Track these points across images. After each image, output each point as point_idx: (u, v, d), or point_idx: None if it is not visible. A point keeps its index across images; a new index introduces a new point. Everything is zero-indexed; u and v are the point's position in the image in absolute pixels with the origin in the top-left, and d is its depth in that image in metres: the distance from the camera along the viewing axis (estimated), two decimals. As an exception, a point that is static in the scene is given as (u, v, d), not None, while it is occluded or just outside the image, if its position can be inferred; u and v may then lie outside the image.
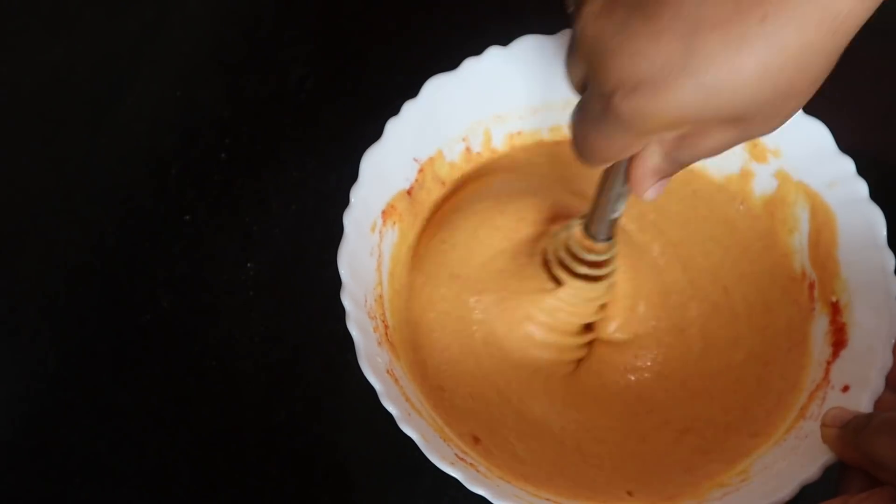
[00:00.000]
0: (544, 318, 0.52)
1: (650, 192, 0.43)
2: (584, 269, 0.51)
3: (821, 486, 0.45)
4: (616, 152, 0.41)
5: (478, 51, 0.54)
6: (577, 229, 0.50)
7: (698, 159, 0.41)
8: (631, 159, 0.42)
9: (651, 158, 0.42)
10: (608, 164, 0.44)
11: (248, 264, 0.60)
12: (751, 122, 0.38)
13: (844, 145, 0.53)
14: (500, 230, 0.54)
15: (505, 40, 0.55)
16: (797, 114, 0.42)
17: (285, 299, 0.59)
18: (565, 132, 0.59)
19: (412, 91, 0.53)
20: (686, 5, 0.36)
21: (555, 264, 0.51)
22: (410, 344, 0.53)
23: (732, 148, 0.40)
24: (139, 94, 0.65)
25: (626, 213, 0.50)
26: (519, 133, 0.58)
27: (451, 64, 0.54)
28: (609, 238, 0.50)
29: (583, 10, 0.39)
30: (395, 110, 0.53)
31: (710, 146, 0.40)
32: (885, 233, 0.51)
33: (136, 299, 0.59)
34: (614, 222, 0.49)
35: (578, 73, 0.42)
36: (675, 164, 0.42)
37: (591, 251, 0.50)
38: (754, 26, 0.35)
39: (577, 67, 0.42)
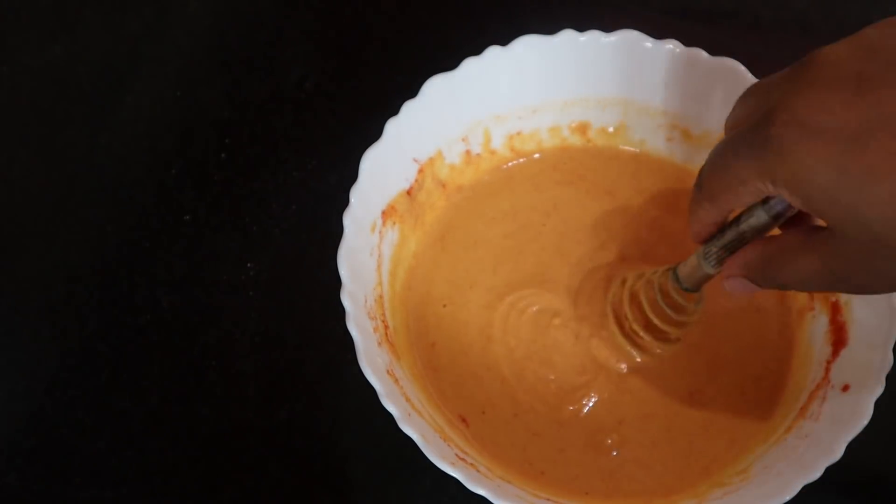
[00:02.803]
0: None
1: (730, 282, 0.45)
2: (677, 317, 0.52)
3: (821, 486, 0.45)
4: (733, 180, 0.40)
5: (478, 51, 0.54)
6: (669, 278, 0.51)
7: (781, 282, 0.42)
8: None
9: (749, 255, 0.43)
10: (715, 205, 0.43)
11: (248, 264, 0.60)
12: (848, 253, 0.38)
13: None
14: None
15: (505, 40, 0.55)
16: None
17: (285, 299, 0.59)
18: (564, 133, 0.59)
19: (412, 91, 0.53)
20: (893, 103, 0.35)
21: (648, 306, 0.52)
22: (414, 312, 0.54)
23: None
24: (139, 94, 0.65)
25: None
26: (518, 133, 0.58)
27: (451, 64, 0.54)
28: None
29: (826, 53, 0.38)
30: (395, 110, 0.53)
31: (795, 270, 0.41)
32: (885, 232, 0.51)
33: (136, 299, 0.59)
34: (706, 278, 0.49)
35: (754, 103, 0.41)
36: (759, 274, 0.43)
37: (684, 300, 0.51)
38: None
39: (760, 96, 0.41)
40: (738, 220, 0.44)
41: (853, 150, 0.36)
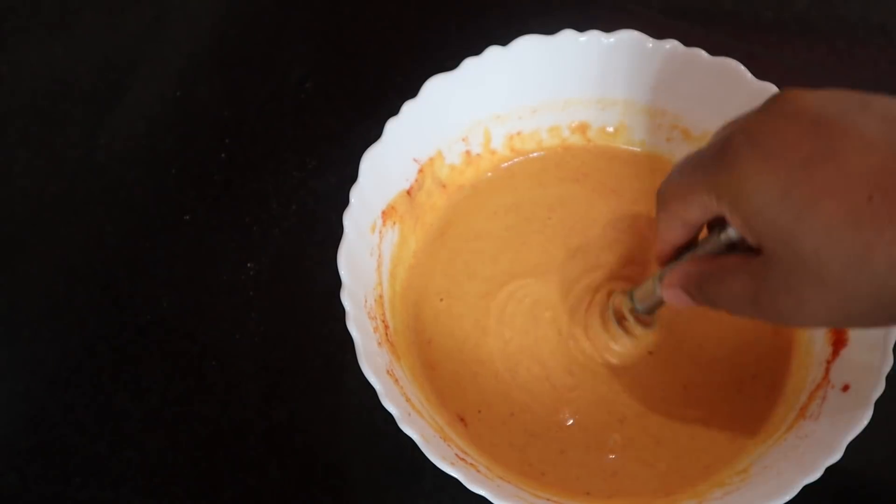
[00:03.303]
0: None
1: (668, 292, 0.46)
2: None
3: (821, 486, 0.45)
4: (683, 188, 0.42)
5: (478, 51, 0.54)
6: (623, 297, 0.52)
7: (714, 300, 0.43)
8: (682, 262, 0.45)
9: (688, 270, 0.44)
10: (667, 216, 0.44)
11: (248, 264, 0.60)
12: (778, 278, 0.39)
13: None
14: None
15: (505, 40, 0.55)
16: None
17: (285, 299, 0.59)
18: (564, 132, 0.59)
19: (412, 91, 0.53)
20: (847, 156, 0.36)
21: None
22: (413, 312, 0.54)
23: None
24: (139, 94, 0.65)
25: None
26: (518, 133, 0.58)
27: (451, 64, 0.54)
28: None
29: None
30: (395, 110, 0.53)
31: (727, 290, 0.41)
32: (885, 232, 0.51)
33: (136, 299, 0.59)
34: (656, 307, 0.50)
35: (718, 133, 0.42)
36: (696, 290, 0.44)
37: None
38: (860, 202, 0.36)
39: (723, 130, 0.42)
40: (695, 245, 0.45)
41: (798, 176, 0.37)
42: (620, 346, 0.53)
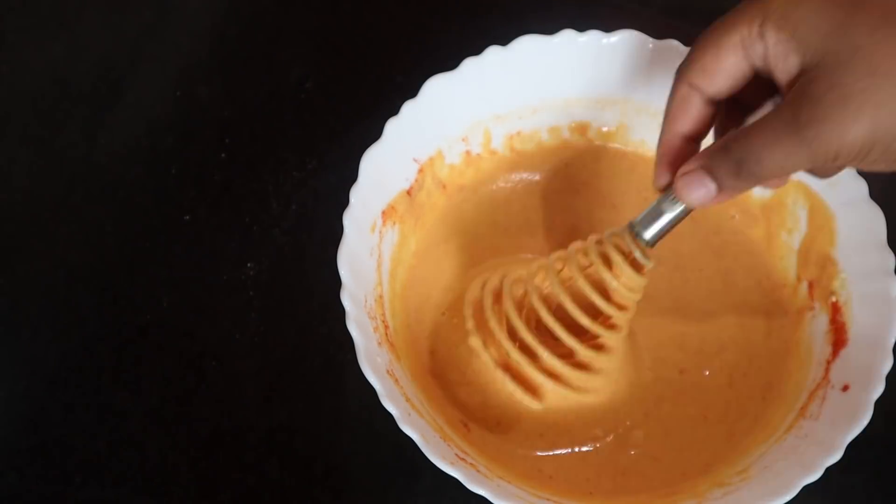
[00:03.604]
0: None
1: (691, 182, 0.42)
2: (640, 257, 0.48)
3: (821, 486, 0.45)
4: (718, 32, 0.41)
5: (477, 51, 0.54)
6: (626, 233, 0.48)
7: (756, 174, 0.40)
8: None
9: (710, 148, 0.42)
10: (699, 69, 0.42)
11: (248, 264, 0.60)
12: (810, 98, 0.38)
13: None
14: None
15: (504, 40, 0.55)
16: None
17: (285, 299, 0.59)
18: (564, 132, 0.59)
19: (412, 91, 0.53)
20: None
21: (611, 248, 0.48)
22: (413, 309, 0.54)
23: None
24: (139, 94, 0.65)
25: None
26: (518, 133, 0.58)
27: (451, 64, 0.54)
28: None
29: None
30: (395, 110, 0.53)
31: (772, 151, 0.39)
32: (885, 232, 0.51)
33: (136, 299, 0.59)
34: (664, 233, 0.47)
35: None
36: (736, 166, 0.41)
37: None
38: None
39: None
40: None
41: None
42: (626, 279, 0.48)
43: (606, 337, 0.50)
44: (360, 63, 0.67)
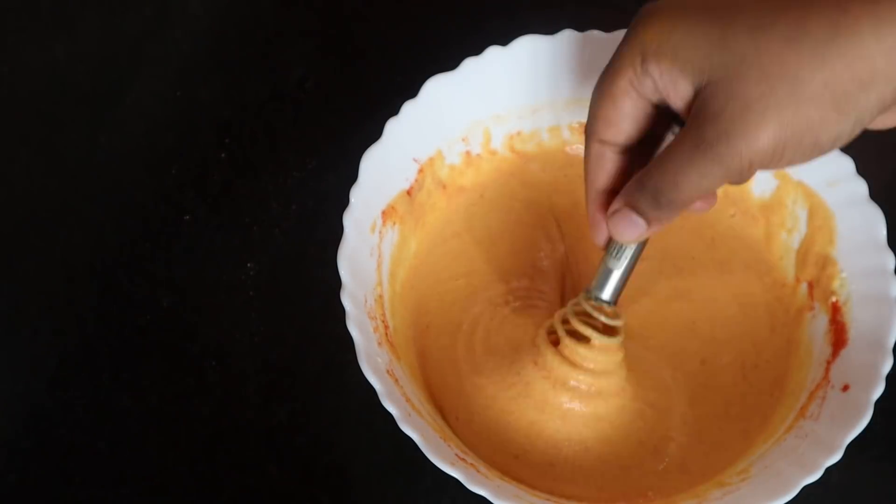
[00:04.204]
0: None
1: (618, 221, 0.43)
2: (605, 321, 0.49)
3: (821, 486, 0.45)
4: (607, 85, 0.42)
5: (477, 51, 0.54)
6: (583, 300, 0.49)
7: (673, 202, 0.41)
8: None
9: (627, 186, 0.43)
10: (601, 123, 0.43)
11: (248, 264, 0.60)
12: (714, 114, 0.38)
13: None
14: None
15: (504, 40, 0.55)
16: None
17: (285, 299, 0.59)
18: (564, 133, 0.59)
19: (412, 91, 0.53)
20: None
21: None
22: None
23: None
24: (139, 93, 0.65)
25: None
26: (518, 133, 0.58)
27: (451, 64, 0.54)
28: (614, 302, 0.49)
29: None
30: (395, 110, 0.53)
31: (686, 172, 0.40)
32: (885, 232, 0.51)
33: (136, 299, 0.59)
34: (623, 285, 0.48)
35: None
36: (653, 197, 0.42)
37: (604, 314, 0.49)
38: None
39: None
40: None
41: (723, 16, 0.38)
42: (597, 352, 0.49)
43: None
44: (360, 63, 0.67)
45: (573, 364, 0.49)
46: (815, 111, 0.37)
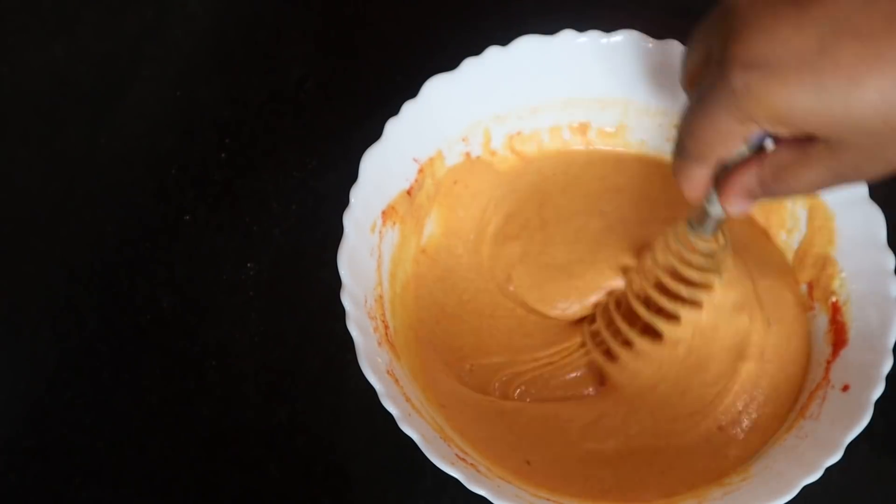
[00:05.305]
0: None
1: (735, 208, 0.44)
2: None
3: (821, 485, 0.45)
4: (718, 138, 0.41)
5: (477, 51, 0.54)
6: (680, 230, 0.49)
7: (790, 194, 0.42)
8: (729, 173, 0.43)
9: (748, 179, 0.42)
10: (706, 164, 0.43)
11: (248, 264, 0.60)
12: (851, 153, 0.38)
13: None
14: None
15: (504, 40, 0.55)
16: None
17: (285, 299, 0.59)
18: (564, 133, 0.59)
19: (412, 91, 0.53)
20: (841, 6, 0.35)
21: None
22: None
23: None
24: (139, 93, 0.65)
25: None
26: (518, 133, 0.58)
27: (451, 64, 0.54)
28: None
29: None
30: (395, 110, 0.53)
31: (806, 181, 0.40)
32: (885, 232, 0.51)
33: (136, 299, 0.59)
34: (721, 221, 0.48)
35: (701, 51, 0.41)
36: (767, 192, 0.42)
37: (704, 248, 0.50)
38: (893, 49, 0.35)
39: (702, 42, 0.41)
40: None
41: (824, 67, 0.36)
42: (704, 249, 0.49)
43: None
44: (360, 63, 0.67)
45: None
46: None
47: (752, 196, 0.43)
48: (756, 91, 0.37)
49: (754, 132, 0.40)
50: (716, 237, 0.49)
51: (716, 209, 0.46)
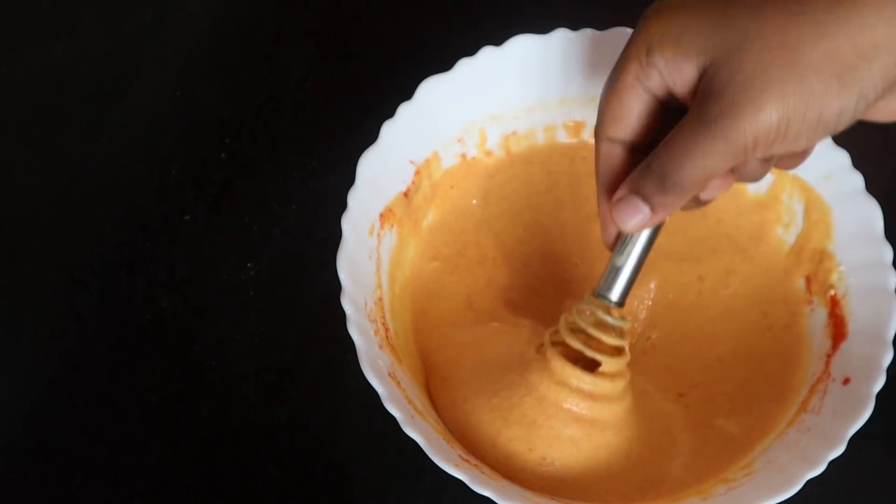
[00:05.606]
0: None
1: (619, 207, 0.42)
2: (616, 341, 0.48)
3: (822, 483, 0.45)
4: (616, 79, 0.42)
5: (472, 51, 0.54)
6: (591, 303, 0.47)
7: (680, 185, 0.40)
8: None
9: (635, 172, 0.42)
10: (611, 113, 0.43)
11: (248, 264, 0.60)
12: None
13: (839, 138, 0.52)
14: None
15: (499, 40, 0.55)
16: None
17: (285, 300, 0.59)
18: (559, 132, 0.58)
19: (412, 91, 0.53)
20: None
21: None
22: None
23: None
24: (139, 94, 0.65)
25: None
26: (514, 133, 0.58)
27: (451, 64, 0.54)
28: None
29: None
30: (394, 111, 0.53)
31: (693, 156, 0.39)
32: (882, 225, 0.51)
33: (136, 299, 0.59)
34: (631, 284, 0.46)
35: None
36: (659, 182, 0.41)
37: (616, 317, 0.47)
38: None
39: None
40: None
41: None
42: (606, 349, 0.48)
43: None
44: (361, 63, 0.67)
45: (572, 388, 0.47)
46: (818, 83, 0.37)
47: (640, 191, 0.41)
48: (653, 12, 0.40)
49: (653, 77, 0.40)
50: (620, 309, 0.47)
51: (616, 260, 0.45)
